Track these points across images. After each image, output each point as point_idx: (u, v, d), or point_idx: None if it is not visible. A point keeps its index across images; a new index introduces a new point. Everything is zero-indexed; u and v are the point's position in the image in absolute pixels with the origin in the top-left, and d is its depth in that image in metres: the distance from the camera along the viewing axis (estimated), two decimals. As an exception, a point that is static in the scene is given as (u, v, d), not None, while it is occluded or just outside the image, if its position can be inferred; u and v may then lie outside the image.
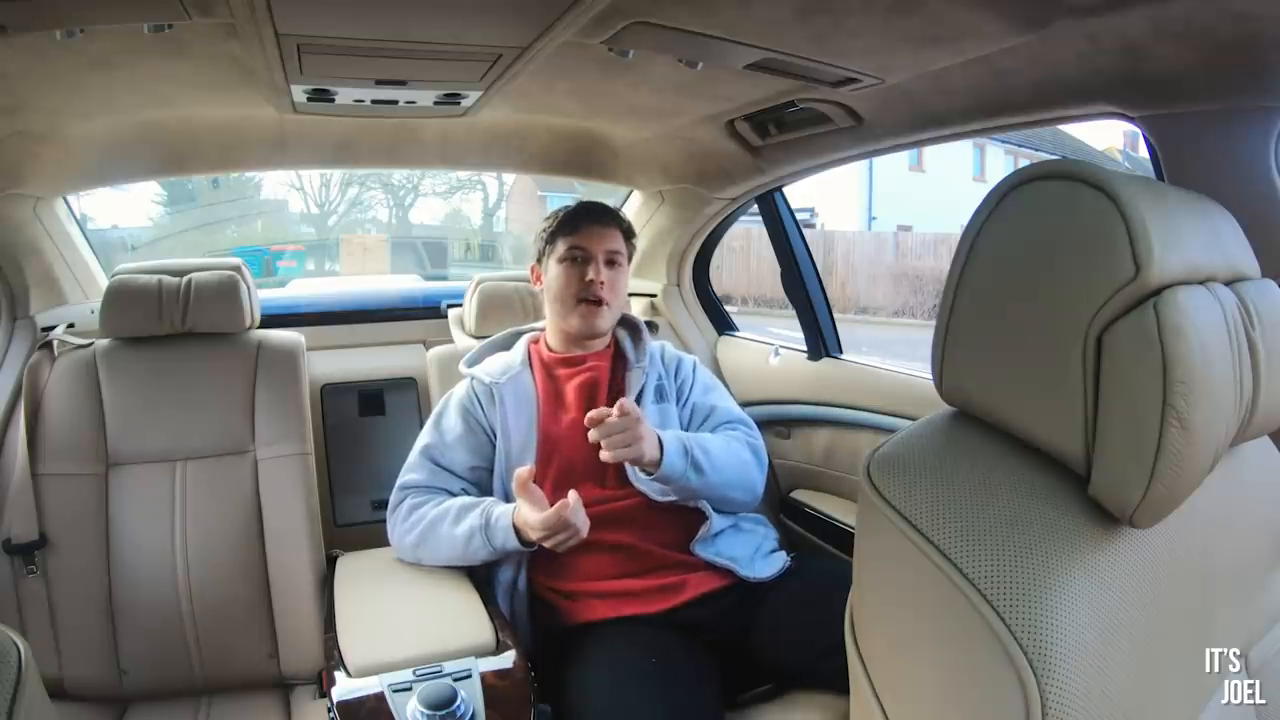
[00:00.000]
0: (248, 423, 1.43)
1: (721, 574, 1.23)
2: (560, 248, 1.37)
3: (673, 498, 1.23)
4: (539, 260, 1.42)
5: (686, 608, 1.20)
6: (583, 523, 1.12)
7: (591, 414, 1.13)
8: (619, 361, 1.38)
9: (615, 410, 1.13)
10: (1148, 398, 0.51)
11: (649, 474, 1.19)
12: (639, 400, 1.31)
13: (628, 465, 1.21)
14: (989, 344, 0.59)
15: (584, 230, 1.36)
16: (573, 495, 1.12)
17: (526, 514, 1.14)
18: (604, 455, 1.13)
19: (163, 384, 1.43)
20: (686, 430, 1.34)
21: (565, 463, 1.27)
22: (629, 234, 1.41)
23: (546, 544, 1.13)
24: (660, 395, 1.34)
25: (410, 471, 1.31)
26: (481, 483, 1.31)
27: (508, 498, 1.28)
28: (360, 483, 1.69)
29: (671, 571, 1.22)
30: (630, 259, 1.41)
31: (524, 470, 1.15)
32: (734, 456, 1.26)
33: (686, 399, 1.37)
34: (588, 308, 1.34)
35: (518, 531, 1.16)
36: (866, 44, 1.01)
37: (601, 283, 1.33)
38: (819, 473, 1.71)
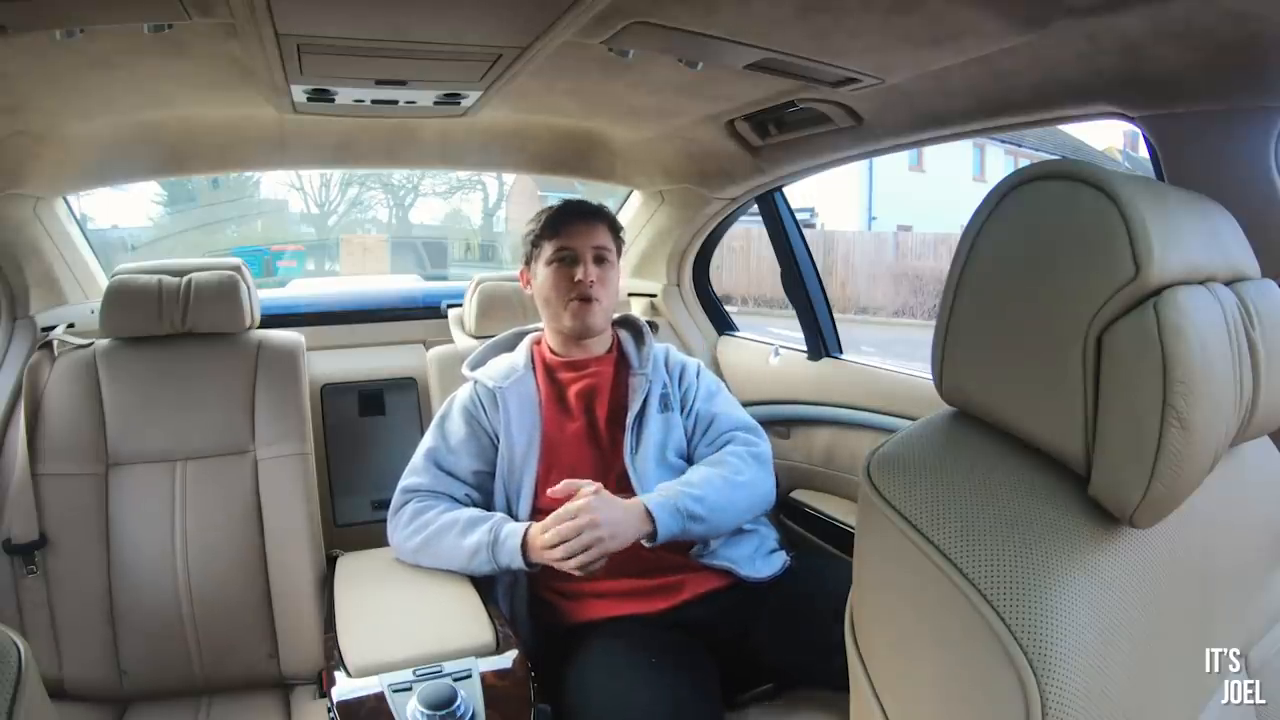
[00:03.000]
0: (248, 423, 1.43)
1: (721, 574, 1.23)
2: (548, 250, 1.35)
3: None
4: (527, 264, 1.40)
5: (686, 607, 1.20)
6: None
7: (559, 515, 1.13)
8: (622, 366, 1.37)
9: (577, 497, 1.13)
10: (1148, 398, 0.51)
11: (648, 544, 1.16)
12: (643, 409, 1.31)
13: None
14: (989, 344, 0.59)
15: (568, 230, 1.34)
16: (590, 485, 1.13)
17: (535, 532, 1.14)
18: (565, 566, 1.12)
19: (163, 384, 1.43)
20: (691, 440, 1.34)
21: (567, 467, 1.27)
22: (616, 229, 1.39)
23: (564, 566, 1.12)
24: (664, 404, 1.33)
25: (413, 475, 1.31)
26: (484, 487, 1.31)
27: (508, 501, 1.28)
28: (360, 483, 1.69)
29: (671, 571, 1.22)
30: (619, 254, 1.39)
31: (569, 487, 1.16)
32: (732, 487, 1.23)
33: (691, 407, 1.35)
34: (580, 305, 1.32)
35: (525, 553, 1.16)
36: (866, 44, 1.01)
37: (592, 281, 1.32)
38: (819, 473, 1.71)
